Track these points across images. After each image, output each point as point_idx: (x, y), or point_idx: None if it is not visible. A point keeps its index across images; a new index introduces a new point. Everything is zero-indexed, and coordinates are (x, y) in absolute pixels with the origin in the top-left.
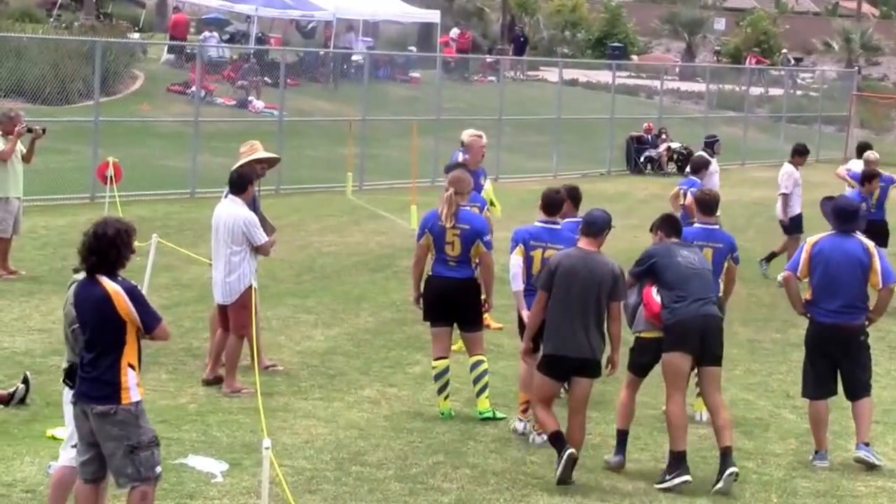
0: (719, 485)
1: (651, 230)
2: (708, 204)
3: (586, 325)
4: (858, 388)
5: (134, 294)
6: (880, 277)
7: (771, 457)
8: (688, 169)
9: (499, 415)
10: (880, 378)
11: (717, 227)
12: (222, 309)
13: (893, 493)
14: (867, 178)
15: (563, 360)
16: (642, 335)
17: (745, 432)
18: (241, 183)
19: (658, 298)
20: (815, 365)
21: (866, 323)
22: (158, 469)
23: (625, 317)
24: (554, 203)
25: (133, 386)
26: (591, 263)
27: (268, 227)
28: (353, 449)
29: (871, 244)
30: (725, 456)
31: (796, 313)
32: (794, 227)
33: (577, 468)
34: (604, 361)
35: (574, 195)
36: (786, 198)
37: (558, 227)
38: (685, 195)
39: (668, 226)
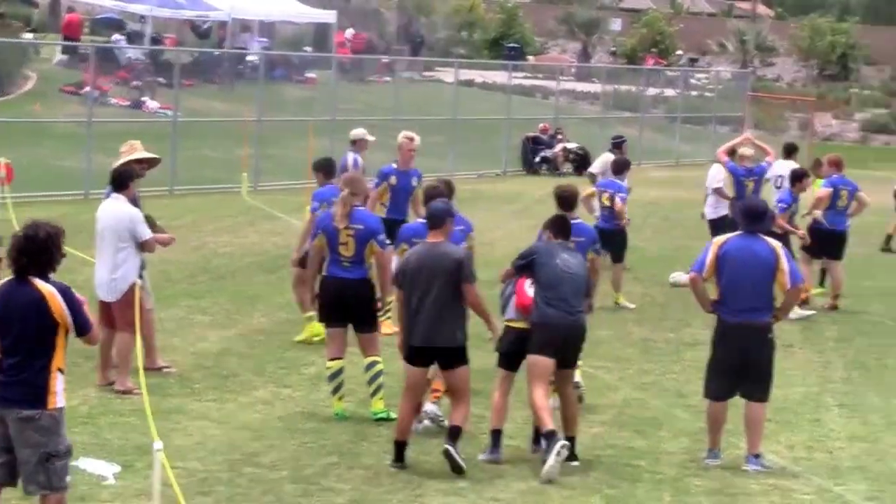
0: (549, 465)
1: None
2: (567, 200)
3: (443, 315)
4: (757, 390)
5: (68, 296)
6: (788, 278)
7: (664, 455)
8: (592, 169)
9: (393, 415)
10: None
11: (578, 220)
12: (106, 307)
13: (785, 490)
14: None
15: (428, 351)
16: (511, 324)
17: (638, 431)
18: (122, 180)
19: (530, 292)
20: (720, 365)
21: (772, 321)
22: (69, 479)
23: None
24: (434, 198)
25: (60, 391)
26: (436, 254)
27: (155, 229)
28: (247, 450)
29: (777, 245)
30: (571, 441)
31: (703, 312)
32: (718, 228)
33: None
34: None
35: (450, 188)
36: (719, 193)
37: None
38: (612, 198)
39: (557, 227)
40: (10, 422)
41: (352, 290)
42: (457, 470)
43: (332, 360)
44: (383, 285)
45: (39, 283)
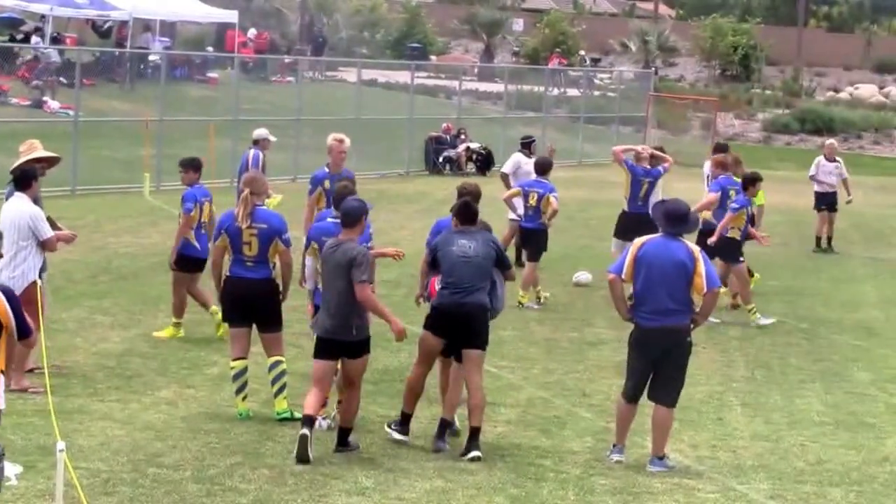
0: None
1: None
2: (340, 197)
3: (343, 309)
4: (665, 395)
5: (10, 298)
6: (704, 282)
7: (568, 454)
8: (504, 170)
9: (297, 415)
10: None
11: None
12: None
13: (689, 489)
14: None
15: (332, 343)
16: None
17: (543, 430)
18: (24, 179)
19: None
20: (635, 367)
21: (691, 326)
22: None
23: None
24: (345, 197)
25: (1, 393)
26: (340, 251)
27: (55, 229)
28: (150, 450)
29: (696, 249)
30: (473, 437)
31: (610, 312)
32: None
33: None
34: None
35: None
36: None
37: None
38: (542, 198)
39: (463, 213)
40: None
41: (256, 290)
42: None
43: (236, 359)
44: (286, 282)
45: None
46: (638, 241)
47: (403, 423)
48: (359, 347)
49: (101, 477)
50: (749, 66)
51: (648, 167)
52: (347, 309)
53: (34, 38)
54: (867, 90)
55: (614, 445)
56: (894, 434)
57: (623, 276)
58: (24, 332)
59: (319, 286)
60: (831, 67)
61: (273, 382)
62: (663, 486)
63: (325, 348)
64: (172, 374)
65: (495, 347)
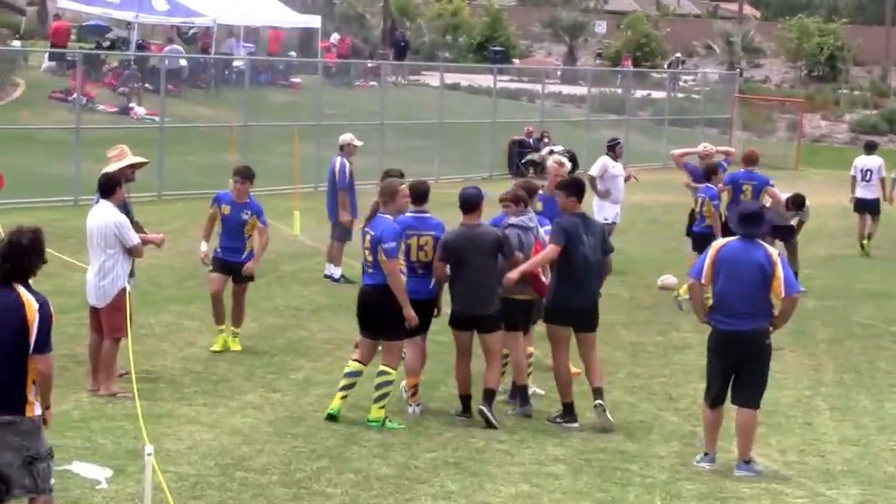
0: None
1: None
2: (419, 192)
3: (484, 285)
4: (748, 398)
5: (43, 309)
6: (783, 287)
7: (654, 459)
8: (592, 172)
9: (389, 424)
10: None
11: (427, 214)
12: (95, 312)
13: (777, 494)
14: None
15: (468, 317)
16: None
17: (629, 435)
18: (109, 186)
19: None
20: (718, 373)
21: (770, 329)
22: (53, 481)
23: None
24: (421, 193)
25: (35, 400)
26: (475, 234)
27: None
28: (237, 454)
29: (774, 252)
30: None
31: (693, 316)
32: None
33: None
34: None
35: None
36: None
37: (427, 215)
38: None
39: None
40: None
41: (371, 298)
42: (491, 426)
43: (355, 360)
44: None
45: (22, 291)
46: (716, 244)
47: (569, 411)
48: (494, 321)
49: (189, 481)
50: (836, 66)
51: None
52: (491, 284)
53: (169, 47)
54: None
55: (705, 454)
56: None
57: (703, 280)
58: (38, 347)
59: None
60: None
61: (375, 388)
62: (751, 492)
63: (464, 321)
64: (259, 378)
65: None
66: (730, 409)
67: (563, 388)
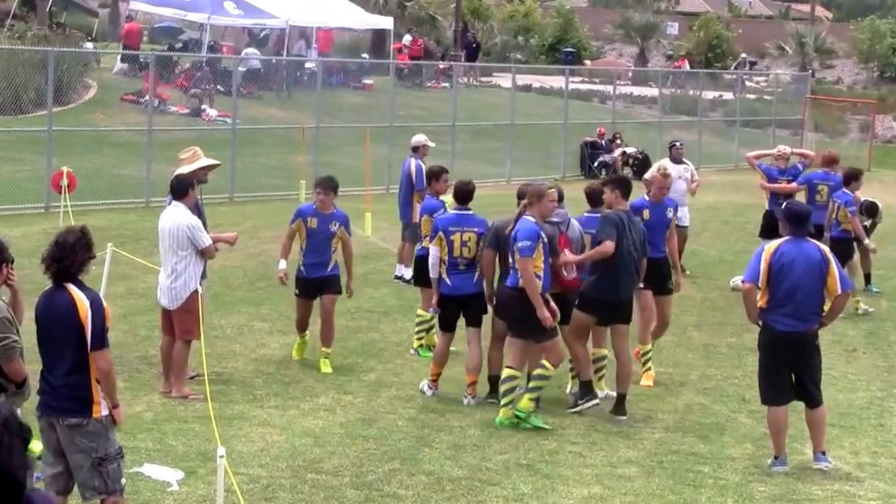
0: None
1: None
2: (463, 193)
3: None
4: (813, 397)
5: (96, 306)
6: (838, 284)
7: (727, 461)
8: (647, 176)
9: (535, 421)
10: (836, 381)
11: (471, 212)
12: (167, 314)
13: (850, 496)
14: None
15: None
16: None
17: (701, 436)
18: (181, 188)
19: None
20: (772, 372)
21: (818, 328)
22: (123, 481)
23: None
24: (465, 193)
25: (101, 399)
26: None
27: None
28: (309, 456)
29: (827, 249)
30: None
31: (751, 322)
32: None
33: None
34: None
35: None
36: None
37: (470, 212)
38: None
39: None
40: (59, 429)
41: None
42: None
43: (507, 367)
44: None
45: (73, 290)
46: (769, 246)
47: (588, 391)
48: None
49: (260, 483)
50: None
51: (784, 166)
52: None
53: (246, 50)
54: None
55: (775, 457)
56: None
57: (759, 285)
58: (94, 344)
59: (442, 274)
60: None
61: (532, 379)
62: (824, 494)
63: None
64: (330, 380)
65: (654, 353)
66: (798, 411)
67: (582, 367)
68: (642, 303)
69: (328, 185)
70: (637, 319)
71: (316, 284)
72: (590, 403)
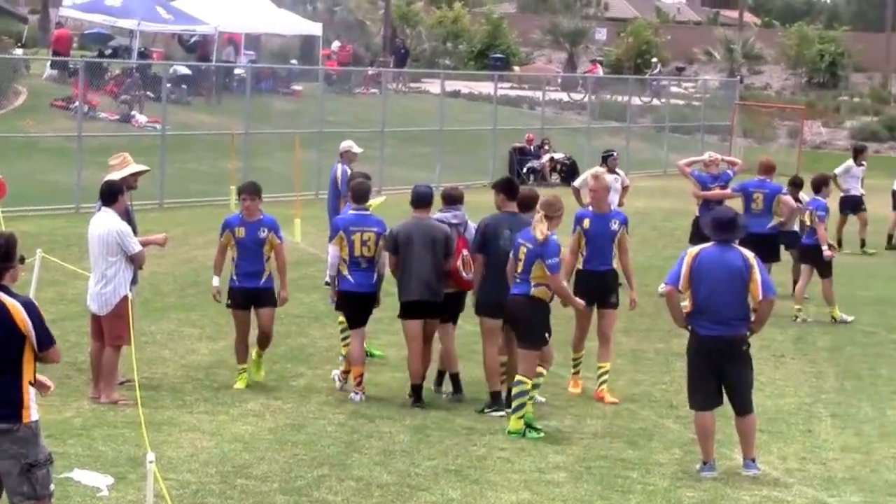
0: None
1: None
2: (359, 192)
3: (427, 274)
4: (743, 404)
5: (31, 309)
6: (760, 290)
7: (655, 466)
8: (576, 183)
9: (530, 435)
10: (764, 387)
11: (368, 212)
12: (97, 320)
13: (778, 501)
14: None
15: (419, 304)
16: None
17: (630, 442)
18: (110, 194)
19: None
20: (698, 377)
21: (748, 334)
22: (53, 487)
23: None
24: (362, 192)
25: (33, 404)
26: (424, 228)
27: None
28: (238, 462)
29: (751, 255)
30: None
31: (677, 326)
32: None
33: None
34: None
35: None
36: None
37: (368, 212)
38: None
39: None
40: None
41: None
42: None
43: (522, 377)
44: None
45: (3, 297)
46: (692, 250)
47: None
48: (441, 307)
49: (190, 488)
50: (836, 73)
51: (716, 173)
52: (437, 275)
53: (227, 49)
54: None
55: (703, 463)
56: None
57: (679, 288)
58: (42, 345)
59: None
60: None
61: (513, 399)
62: (752, 499)
63: (415, 308)
64: (259, 386)
65: (582, 359)
66: (727, 417)
67: (491, 376)
68: (579, 312)
69: (252, 191)
70: (572, 326)
71: (249, 295)
72: (497, 413)
